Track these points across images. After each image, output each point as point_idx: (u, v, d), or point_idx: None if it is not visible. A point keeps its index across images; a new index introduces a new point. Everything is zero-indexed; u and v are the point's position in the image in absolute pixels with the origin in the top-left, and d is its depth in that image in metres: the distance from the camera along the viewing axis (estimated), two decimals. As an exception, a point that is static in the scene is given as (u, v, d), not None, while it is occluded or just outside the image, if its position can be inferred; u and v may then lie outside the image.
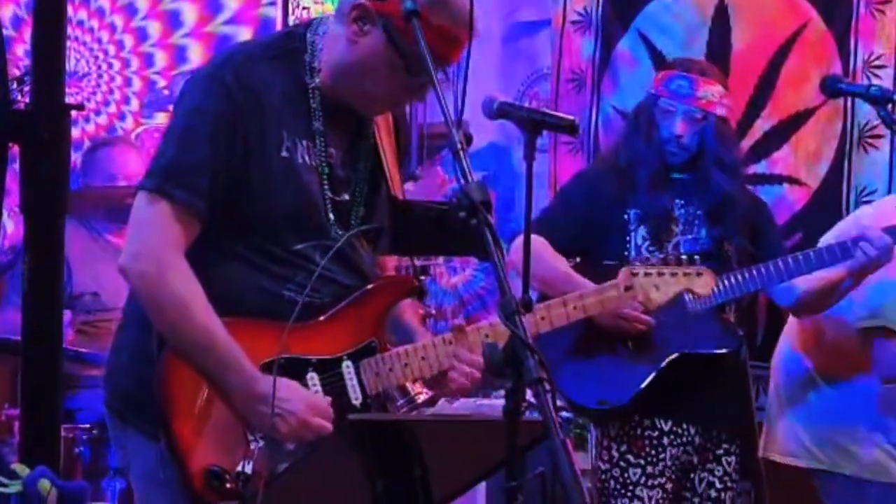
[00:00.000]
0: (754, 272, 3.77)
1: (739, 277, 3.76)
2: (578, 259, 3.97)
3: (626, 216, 3.88)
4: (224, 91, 2.54)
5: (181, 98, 2.63)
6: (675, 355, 3.78)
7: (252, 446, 2.53)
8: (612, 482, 3.84)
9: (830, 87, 3.63)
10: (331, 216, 2.63)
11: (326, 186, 2.63)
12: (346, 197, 2.66)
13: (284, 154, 2.58)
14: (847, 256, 3.67)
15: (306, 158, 2.61)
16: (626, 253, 3.83)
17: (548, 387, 1.90)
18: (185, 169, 2.53)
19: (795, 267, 3.73)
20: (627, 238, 3.87)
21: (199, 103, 2.55)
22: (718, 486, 3.89)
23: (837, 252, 3.69)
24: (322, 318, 2.61)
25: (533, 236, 3.38)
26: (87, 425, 4.18)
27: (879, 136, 4.52)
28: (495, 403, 4.35)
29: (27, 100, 3.01)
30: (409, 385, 2.70)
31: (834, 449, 3.99)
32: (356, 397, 2.61)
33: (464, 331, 2.66)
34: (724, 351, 3.84)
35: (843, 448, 3.97)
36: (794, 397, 4.05)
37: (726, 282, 3.76)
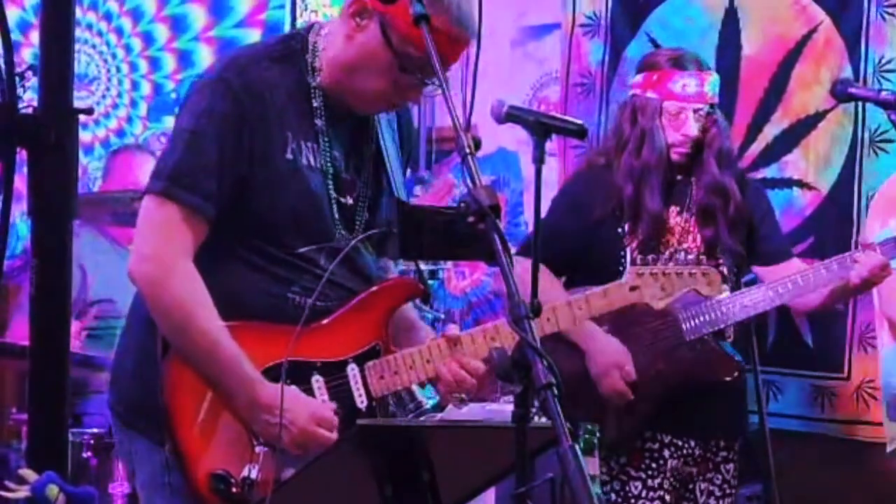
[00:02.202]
0: (755, 297, 3.72)
1: (738, 304, 3.72)
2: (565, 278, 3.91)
3: (619, 230, 3.80)
4: (230, 94, 2.54)
5: (186, 101, 2.63)
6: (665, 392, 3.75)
7: (257, 451, 2.52)
8: (612, 495, 3.82)
9: (841, 92, 3.62)
10: (336, 218, 2.62)
11: (332, 188, 2.62)
12: (350, 201, 2.66)
13: (289, 156, 2.58)
14: (845, 273, 3.66)
15: (311, 160, 2.60)
16: (620, 268, 3.73)
17: (556, 392, 1.89)
18: (194, 172, 2.52)
19: (795, 289, 3.71)
20: (622, 254, 3.79)
21: (206, 106, 2.55)
22: (717, 493, 3.88)
23: (835, 269, 3.68)
24: (326, 321, 2.61)
25: (523, 260, 3.35)
26: (96, 430, 4.18)
27: (890, 141, 4.50)
28: (504, 409, 4.34)
29: (27, 96, 3.01)
30: (416, 390, 2.70)
31: None
32: (361, 401, 2.61)
33: (459, 340, 2.66)
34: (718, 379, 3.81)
35: None
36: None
37: (724, 308, 3.73)
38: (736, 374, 3.79)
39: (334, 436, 2.52)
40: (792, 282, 3.72)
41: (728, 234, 3.79)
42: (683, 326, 3.73)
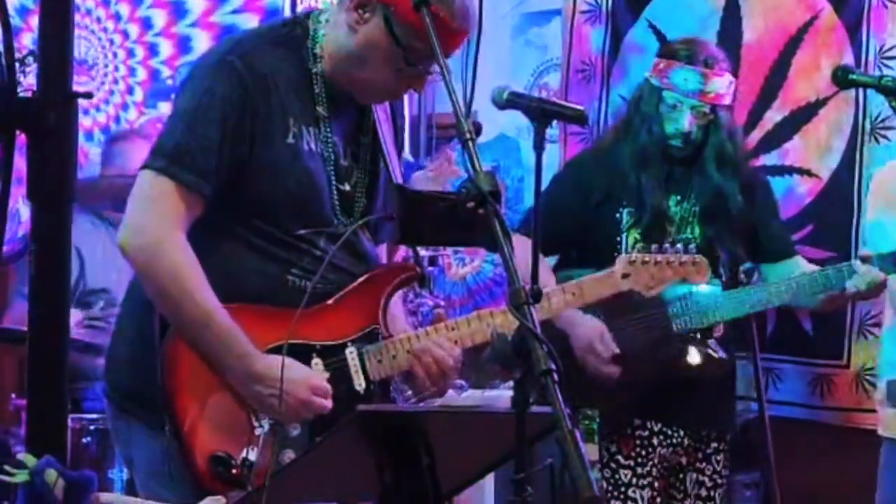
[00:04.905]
0: (753, 298, 3.73)
1: (738, 301, 3.73)
2: (557, 259, 3.92)
3: (617, 215, 3.81)
4: (234, 75, 2.54)
5: (188, 81, 2.63)
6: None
7: (257, 432, 2.53)
8: (603, 483, 3.83)
9: (842, 78, 3.61)
10: (335, 204, 2.63)
11: (332, 174, 2.63)
12: (349, 187, 2.66)
13: (291, 140, 2.58)
14: (841, 283, 3.68)
15: (312, 146, 2.61)
16: (615, 254, 3.77)
17: (556, 378, 1.89)
18: (193, 150, 2.53)
19: (793, 297, 3.72)
20: (618, 238, 3.80)
21: (208, 86, 2.55)
22: (708, 484, 3.89)
23: (832, 280, 3.69)
24: (326, 303, 2.61)
25: (521, 237, 3.35)
26: (95, 415, 4.18)
27: (891, 128, 4.49)
28: (504, 394, 4.35)
29: (27, 82, 3.01)
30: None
31: None
32: (360, 383, 2.62)
33: (456, 324, 2.66)
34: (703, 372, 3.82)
35: None
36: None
37: (715, 305, 3.74)
38: (717, 371, 3.81)
39: (328, 403, 2.52)
40: (787, 286, 3.73)
41: (729, 234, 3.80)
42: (672, 320, 3.73)
